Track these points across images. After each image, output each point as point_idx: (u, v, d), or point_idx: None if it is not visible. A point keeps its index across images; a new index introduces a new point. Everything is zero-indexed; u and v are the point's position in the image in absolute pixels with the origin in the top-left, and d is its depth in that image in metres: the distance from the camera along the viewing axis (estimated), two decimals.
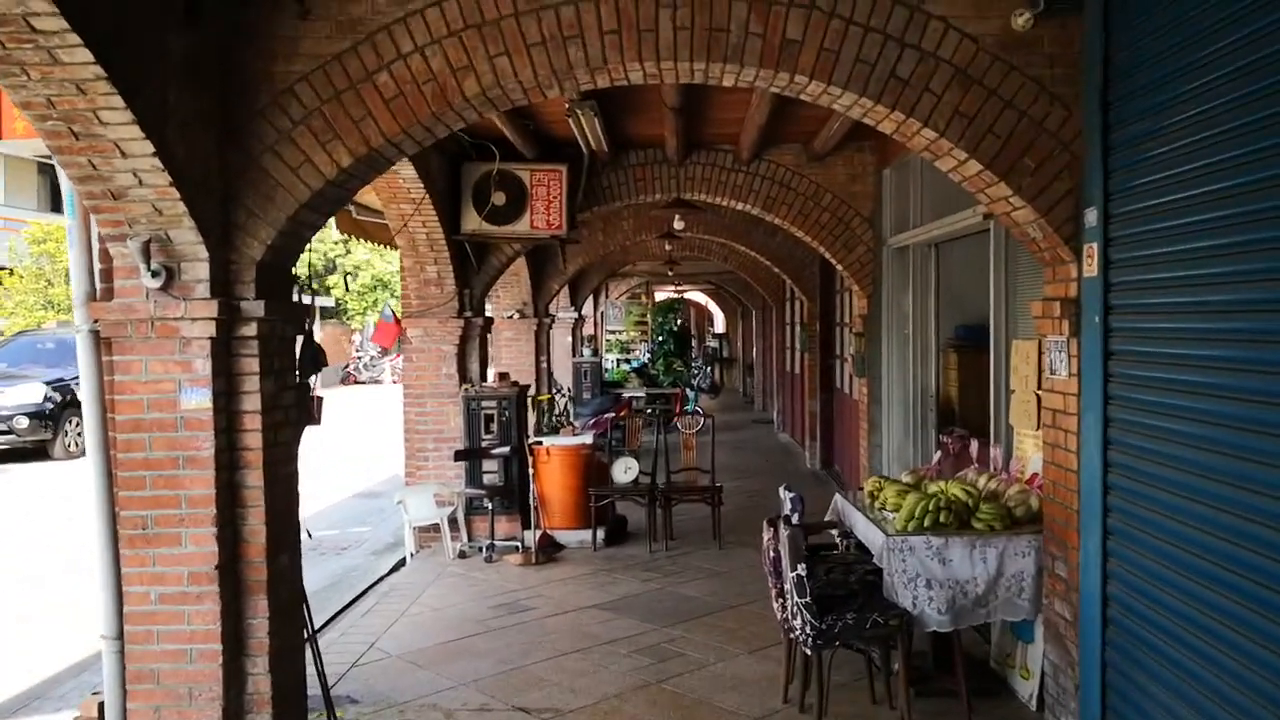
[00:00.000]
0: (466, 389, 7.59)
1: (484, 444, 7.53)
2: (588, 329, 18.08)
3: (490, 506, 7.44)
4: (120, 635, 3.66)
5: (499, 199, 7.16)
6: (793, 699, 4.34)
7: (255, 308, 3.62)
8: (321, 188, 3.64)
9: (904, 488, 4.56)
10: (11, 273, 19.16)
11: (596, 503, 7.57)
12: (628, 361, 23.34)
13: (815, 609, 3.88)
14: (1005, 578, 4.05)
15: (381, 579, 6.89)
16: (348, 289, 28.98)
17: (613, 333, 25.70)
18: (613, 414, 11.11)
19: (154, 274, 3.43)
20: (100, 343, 3.65)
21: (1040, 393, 4.03)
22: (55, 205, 21.17)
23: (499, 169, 7.16)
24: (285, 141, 3.59)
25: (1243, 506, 2.63)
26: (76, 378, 3.87)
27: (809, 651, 4.04)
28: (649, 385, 17.73)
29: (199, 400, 3.54)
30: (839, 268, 8.19)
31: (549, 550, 7.37)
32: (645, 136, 7.50)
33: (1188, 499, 2.91)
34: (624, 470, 7.77)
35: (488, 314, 8.39)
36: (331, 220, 7.48)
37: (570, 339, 15.37)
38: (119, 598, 3.66)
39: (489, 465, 7.58)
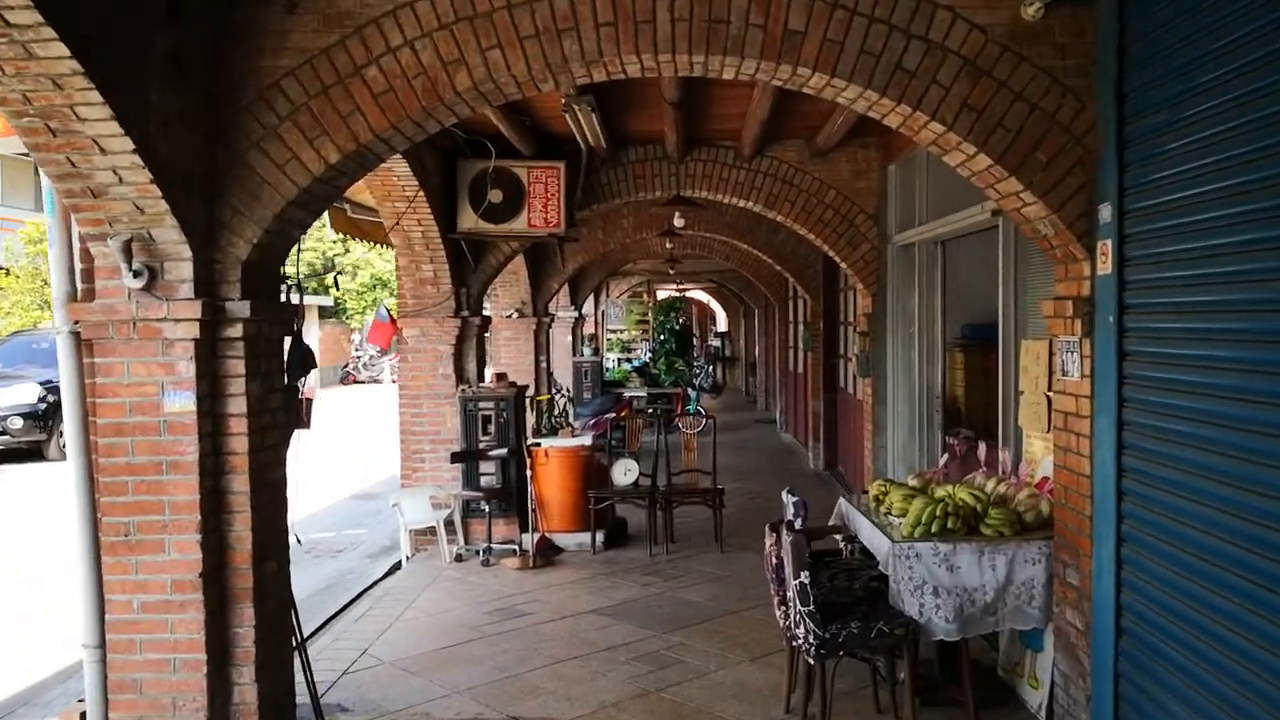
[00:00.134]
0: (463, 389, 7.49)
1: (481, 446, 7.43)
2: (588, 328, 18.00)
3: (487, 509, 7.34)
4: (102, 644, 3.60)
5: (496, 196, 7.05)
6: (795, 708, 4.25)
7: (241, 308, 3.53)
8: (309, 185, 3.54)
9: (910, 492, 4.45)
10: (8, 273, 19.08)
11: (596, 505, 7.47)
12: (629, 361, 23.28)
13: (819, 617, 3.78)
14: (1015, 585, 3.94)
15: (376, 583, 6.80)
16: (336, 287, 28.84)
17: (614, 332, 25.62)
18: (613, 414, 11.01)
19: (136, 274, 3.34)
20: (81, 344, 3.57)
21: (1051, 394, 3.92)
22: None
23: (495, 166, 7.05)
24: (272, 138, 3.49)
25: (1267, 515, 2.53)
26: None
27: (812, 661, 3.93)
28: (650, 385, 17.65)
29: (182, 403, 3.45)
30: (843, 266, 8.08)
31: (547, 554, 7.27)
32: (645, 133, 7.39)
33: (1208, 506, 2.80)
34: (624, 472, 7.67)
35: (486, 313, 8.29)
36: (327, 219, 7.40)
37: (570, 338, 15.28)
38: (100, 606, 3.59)
39: (486, 467, 7.49)
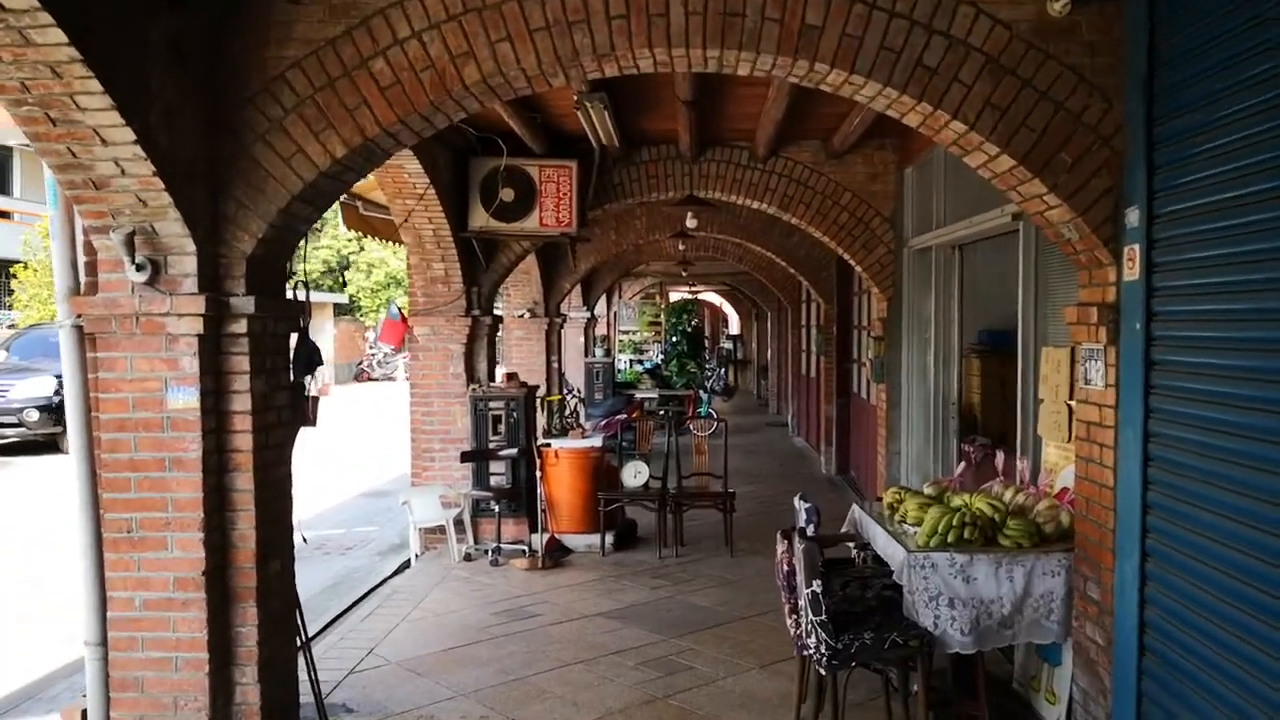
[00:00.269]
0: (474, 389, 7.44)
1: (491, 445, 7.38)
2: (600, 329, 17.93)
3: (497, 509, 7.28)
4: (104, 642, 3.56)
5: (507, 195, 6.99)
6: (805, 719, 4.15)
7: (245, 304, 3.47)
8: (315, 179, 3.48)
9: (926, 500, 4.35)
10: (26, 266, 19.26)
11: (605, 507, 7.40)
12: (641, 362, 23.21)
13: (831, 627, 3.68)
14: (1033, 598, 3.83)
15: (384, 581, 6.75)
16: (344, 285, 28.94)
17: (626, 333, 25.55)
18: (624, 415, 10.93)
19: (139, 268, 3.29)
20: (84, 339, 3.52)
21: (1073, 403, 3.80)
22: None
23: (507, 164, 6.99)
24: (277, 130, 3.43)
25: None
26: None
27: (823, 671, 3.84)
28: (662, 386, 17.59)
29: (186, 400, 3.40)
30: (858, 269, 7.97)
31: (556, 554, 7.21)
32: (658, 132, 7.31)
33: (1240, 522, 2.68)
34: (634, 474, 7.59)
35: (497, 312, 8.23)
36: (339, 216, 7.36)
37: (583, 339, 15.22)
38: (102, 602, 3.55)
39: (496, 467, 7.45)
